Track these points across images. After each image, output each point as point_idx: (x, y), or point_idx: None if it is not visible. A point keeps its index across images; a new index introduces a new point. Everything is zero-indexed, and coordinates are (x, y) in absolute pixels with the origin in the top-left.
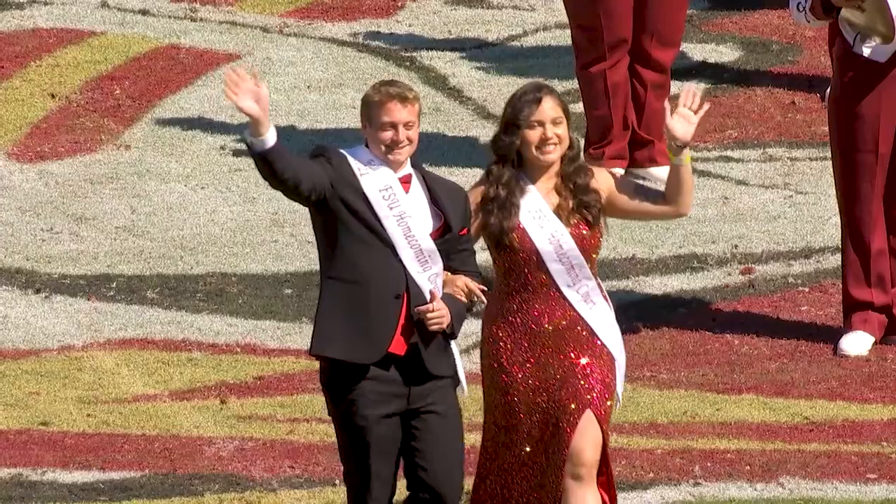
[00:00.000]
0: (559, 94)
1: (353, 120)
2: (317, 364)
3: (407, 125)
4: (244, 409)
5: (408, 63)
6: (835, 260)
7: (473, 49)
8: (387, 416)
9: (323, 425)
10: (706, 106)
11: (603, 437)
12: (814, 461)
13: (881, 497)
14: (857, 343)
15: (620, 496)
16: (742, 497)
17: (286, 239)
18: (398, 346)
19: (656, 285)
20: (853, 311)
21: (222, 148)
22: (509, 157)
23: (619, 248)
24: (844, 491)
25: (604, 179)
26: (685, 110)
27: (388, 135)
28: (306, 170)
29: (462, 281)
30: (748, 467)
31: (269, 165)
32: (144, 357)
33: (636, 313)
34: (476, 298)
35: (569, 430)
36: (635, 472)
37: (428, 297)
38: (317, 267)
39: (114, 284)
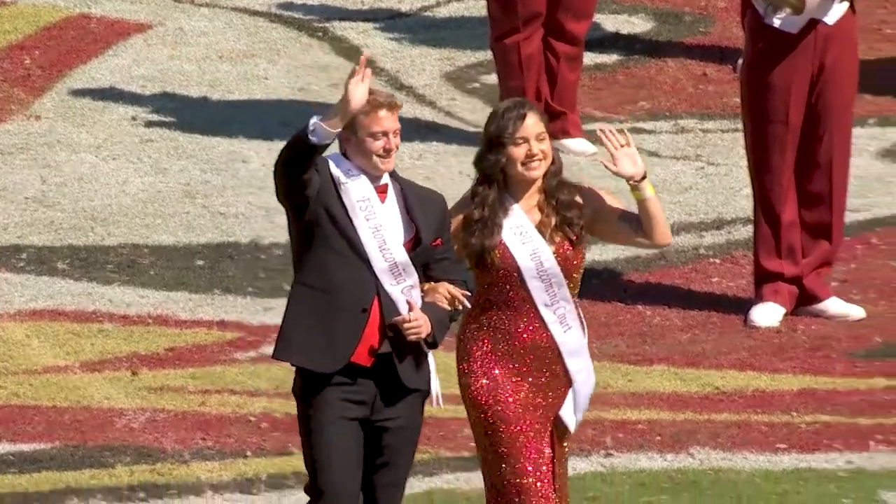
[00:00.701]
0: (541, 110)
1: (264, 91)
2: (229, 335)
3: (395, 132)
4: (155, 381)
5: (320, 34)
6: (746, 231)
7: (387, 20)
8: (350, 424)
9: (235, 397)
10: (629, 136)
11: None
12: (724, 431)
13: (791, 467)
14: (768, 314)
15: None
16: (653, 468)
17: (198, 210)
18: (363, 358)
19: None
20: (764, 283)
21: (133, 118)
22: (495, 177)
23: None
24: (754, 461)
25: (589, 197)
26: (622, 150)
27: (380, 144)
28: (315, 173)
29: (444, 288)
30: (659, 438)
31: (309, 159)
32: (55, 328)
33: None
34: (460, 305)
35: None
36: None
37: (403, 310)
38: (230, 238)
39: (24, 255)
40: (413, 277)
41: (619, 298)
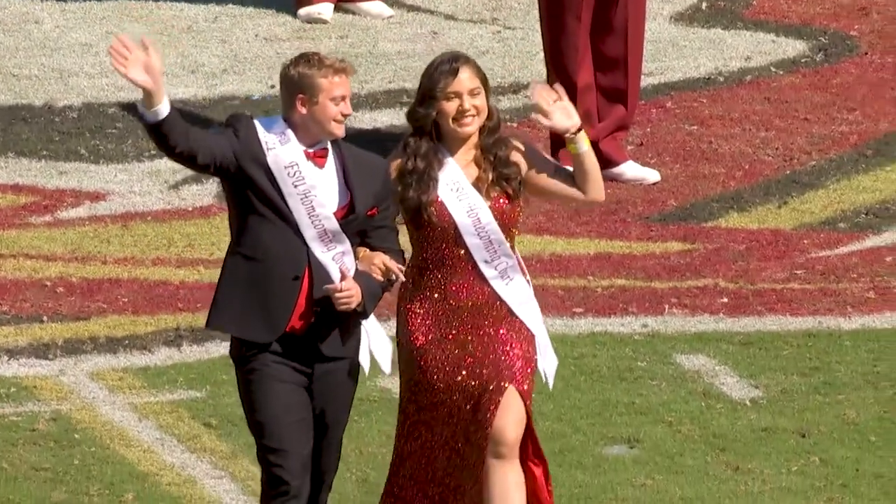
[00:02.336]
0: (477, 64)
1: None
2: (23, 199)
3: (345, 98)
4: None
5: None
6: None
7: None
8: (292, 387)
9: (30, 261)
10: (562, 91)
11: (527, 413)
12: None
13: (587, 331)
14: None
15: None
16: None
17: None
18: (297, 327)
19: (366, 121)
20: (561, 147)
21: None
22: (426, 130)
23: None
24: (551, 325)
25: (526, 152)
26: (555, 105)
27: (339, 108)
28: (205, 141)
29: (380, 258)
30: None
31: (161, 138)
32: None
33: None
34: (394, 277)
35: (491, 407)
36: None
37: (334, 277)
38: (23, 100)
39: None
40: (345, 244)
41: None
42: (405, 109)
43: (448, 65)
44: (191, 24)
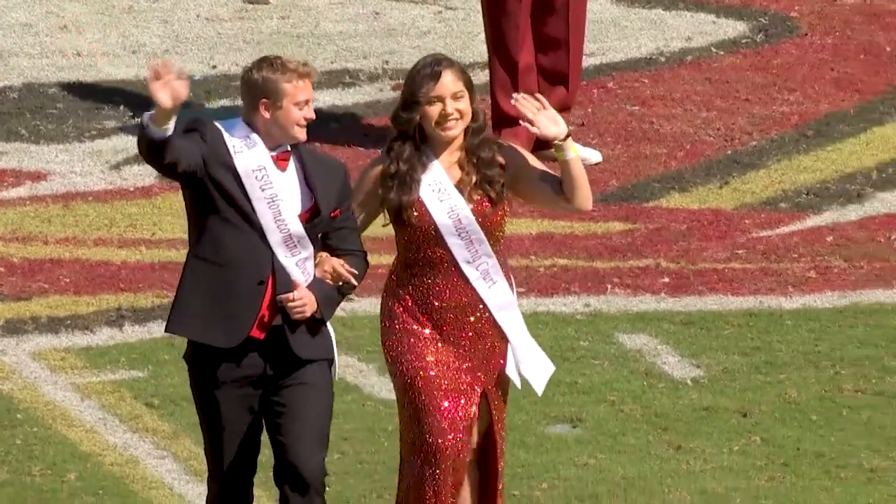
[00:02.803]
0: (461, 66)
1: None
2: None
3: (308, 102)
4: None
5: None
6: (484, 75)
7: None
8: (242, 399)
9: None
10: (544, 100)
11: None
12: None
13: (530, 310)
14: None
15: None
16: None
17: None
18: (258, 331)
19: None
20: (502, 126)
21: None
22: (410, 134)
23: None
24: None
25: (511, 155)
26: (541, 113)
27: (302, 113)
28: (184, 149)
29: (330, 264)
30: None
31: (159, 152)
32: None
33: None
34: (345, 282)
35: (473, 408)
36: None
37: (298, 282)
38: None
39: None
40: (308, 249)
41: (359, 143)
42: (347, 89)
43: (430, 68)
44: (132, 3)
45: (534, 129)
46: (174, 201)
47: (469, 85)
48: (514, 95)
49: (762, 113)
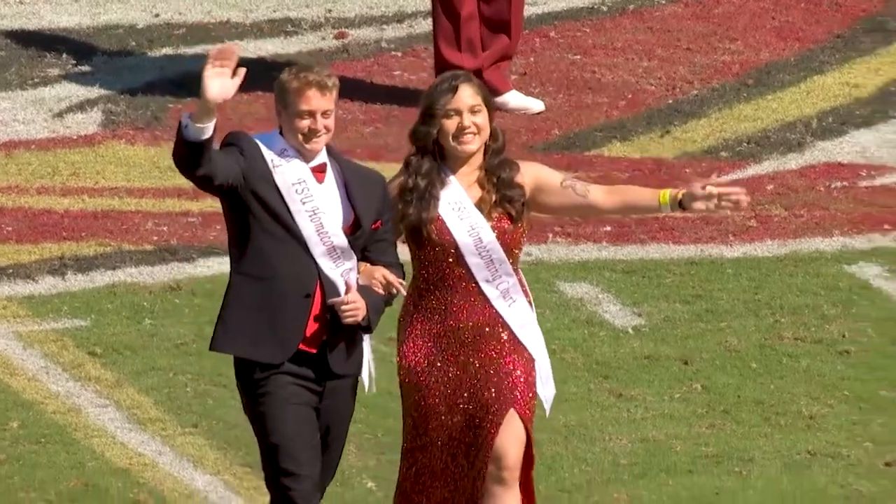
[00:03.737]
0: (480, 83)
1: None
2: None
3: (325, 114)
4: None
5: None
6: (426, 25)
7: None
8: (303, 403)
9: None
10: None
11: (527, 437)
12: None
13: None
14: None
15: (216, 261)
16: None
17: None
18: (308, 345)
19: (251, 49)
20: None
21: None
22: (428, 149)
23: (213, 12)
24: None
25: (530, 174)
26: (720, 198)
27: (305, 123)
28: (221, 162)
29: (380, 273)
30: None
31: (195, 156)
32: None
33: None
34: (395, 291)
35: (492, 429)
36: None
37: (342, 291)
38: None
39: None
40: (352, 260)
41: None
42: (290, 38)
43: (448, 83)
44: None
45: (698, 192)
46: (117, 149)
47: (488, 102)
48: (738, 191)
49: (703, 62)
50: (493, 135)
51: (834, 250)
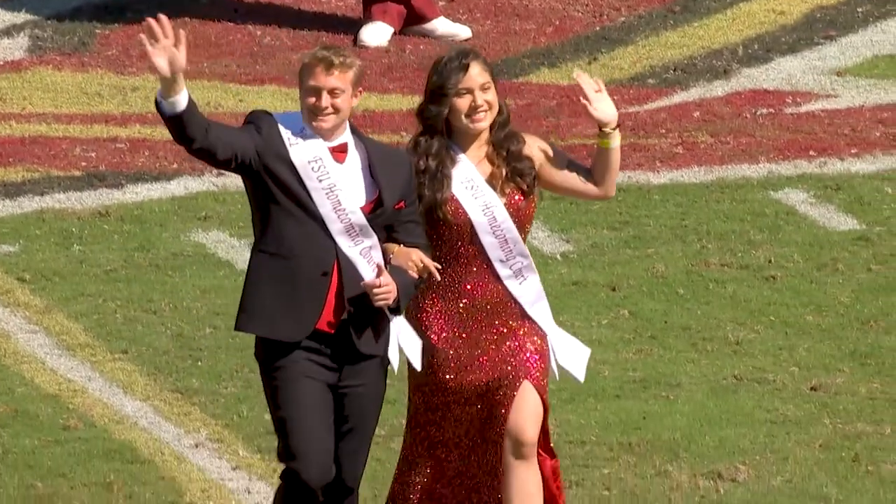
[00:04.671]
0: (484, 58)
1: None
2: None
3: (332, 92)
4: None
5: None
6: None
7: None
8: (319, 384)
9: None
10: (601, 84)
11: (544, 410)
12: None
13: None
14: (377, 33)
15: (145, 187)
16: None
17: None
18: (326, 324)
19: None
20: (373, 2)
21: None
22: (437, 128)
23: None
24: None
25: (536, 147)
26: (598, 94)
27: (310, 100)
28: (226, 137)
29: (416, 255)
30: None
31: (179, 130)
32: None
33: (158, 3)
34: (426, 275)
35: (506, 402)
36: (159, 164)
37: (363, 271)
38: None
39: None
40: (371, 238)
41: (230, 18)
42: None
43: (458, 61)
44: None
45: (591, 109)
46: (44, 75)
47: (494, 77)
48: (577, 71)
49: None
50: (498, 109)
51: (760, 177)
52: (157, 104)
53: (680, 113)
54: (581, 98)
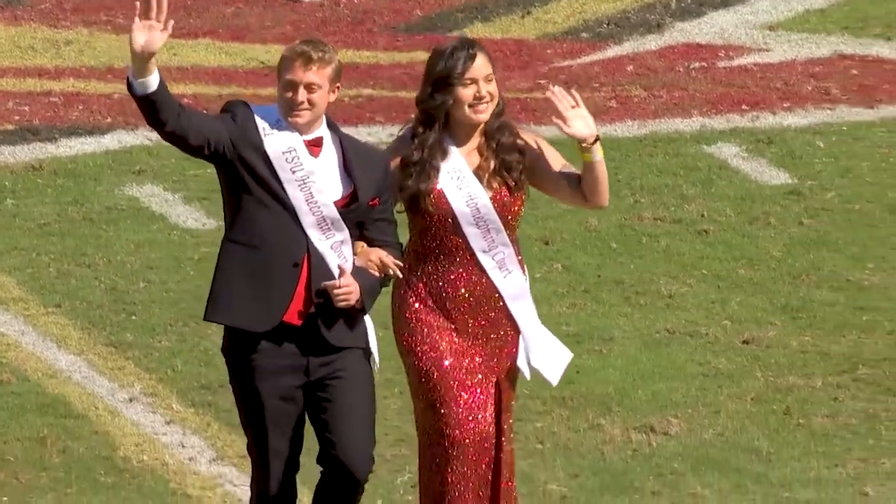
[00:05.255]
0: (488, 51)
1: None
2: None
3: (309, 87)
4: None
5: None
6: None
7: None
8: (283, 391)
9: None
10: (578, 97)
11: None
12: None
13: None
14: None
15: (79, 141)
16: None
17: None
18: (294, 317)
19: None
20: None
21: None
22: (438, 119)
23: None
24: None
25: (531, 142)
26: (573, 111)
27: (287, 94)
28: (198, 122)
29: (377, 255)
30: (204, 111)
31: (150, 111)
32: None
33: None
34: (391, 273)
35: (489, 397)
36: (93, 117)
37: (332, 266)
38: None
39: None
40: (343, 233)
41: None
42: None
43: (465, 50)
44: None
45: (565, 128)
46: None
47: (494, 68)
48: (551, 88)
49: None
50: None
51: (693, 131)
52: (128, 84)
53: (613, 67)
54: (554, 117)
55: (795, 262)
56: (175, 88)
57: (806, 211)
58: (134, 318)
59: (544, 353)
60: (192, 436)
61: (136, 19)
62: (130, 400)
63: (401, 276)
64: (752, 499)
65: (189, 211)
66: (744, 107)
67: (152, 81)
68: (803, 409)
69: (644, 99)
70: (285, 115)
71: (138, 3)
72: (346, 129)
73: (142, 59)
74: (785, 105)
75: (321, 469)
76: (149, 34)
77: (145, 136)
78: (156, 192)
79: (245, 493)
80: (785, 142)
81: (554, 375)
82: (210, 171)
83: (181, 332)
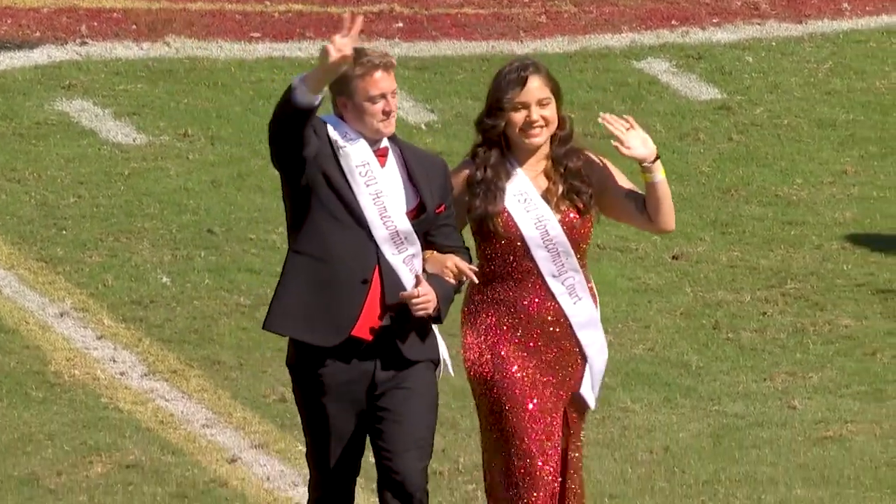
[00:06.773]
0: (549, 72)
1: None
2: None
3: (393, 93)
4: None
5: None
6: None
7: None
8: (349, 405)
9: None
10: (632, 120)
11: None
12: (199, 20)
13: (265, 55)
14: None
15: (7, 56)
16: (129, 56)
17: None
18: (365, 331)
19: None
20: None
21: None
22: (494, 140)
23: None
24: (229, 50)
25: (597, 167)
26: (631, 133)
27: (379, 107)
28: (312, 137)
29: (452, 261)
30: (135, 27)
31: (300, 123)
32: None
33: None
34: (466, 278)
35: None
36: (22, 32)
37: (404, 279)
38: None
39: None
40: (415, 246)
41: None
42: None
43: (516, 73)
44: None
45: (625, 151)
46: None
47: (556, 91)
48: (603, 115)
49: None
50: (560, 123)
51: (623, 46)
52: (292, 87)
53: None
54: (613, 141)
55: (724, 178)
56: (104, 2)
57: (735, 126)
58: (64, 232)
59: (595, 384)
60: (123, 351)
61: (338, 36)
62: (61, 315)
63: (476, 280)
64: (682, 412)
65: (119, 126)
66: (673, 22)
67: (319, 95)
68: (732, 323)
69: (574, 14)
70: (375, 129)
71: (346, 18)
72: (277, 45)
73: (332, 75)
74: (714, 20)
75: (378, 474)
76: (345, 53)
77: (75, 52)
78: (86, 106)
79: (176, 407)
80: (714, 57)
81: (594, 400)
82: (141, 85)
83: (112, 247)
